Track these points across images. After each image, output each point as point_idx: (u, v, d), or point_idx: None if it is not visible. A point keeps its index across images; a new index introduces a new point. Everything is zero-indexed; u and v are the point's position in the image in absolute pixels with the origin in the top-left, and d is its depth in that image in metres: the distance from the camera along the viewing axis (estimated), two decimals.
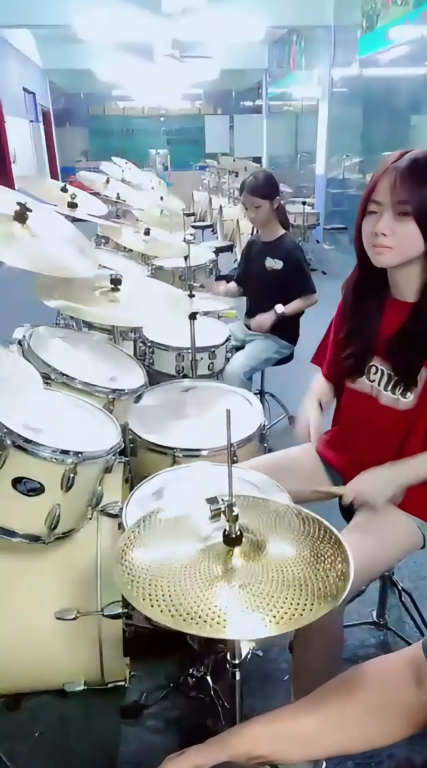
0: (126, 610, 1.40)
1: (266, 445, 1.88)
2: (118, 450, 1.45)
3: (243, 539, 0.81)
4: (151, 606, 0.72)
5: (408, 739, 0.71)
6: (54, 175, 13.21)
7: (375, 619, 1.83)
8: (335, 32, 8.08)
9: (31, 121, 11.51)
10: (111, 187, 3.86)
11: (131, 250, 3.06)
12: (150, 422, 1.79)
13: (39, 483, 1.28)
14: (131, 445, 1.74)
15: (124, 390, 1.73)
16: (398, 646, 1.79)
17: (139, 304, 1.87)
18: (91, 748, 1.51)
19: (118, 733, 1.53)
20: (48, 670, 1.49)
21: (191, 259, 2.62)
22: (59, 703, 1.57)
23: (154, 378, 2.26)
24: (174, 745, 1.50)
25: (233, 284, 2.92)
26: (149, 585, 0.76)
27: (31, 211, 1.56)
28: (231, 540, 0.81)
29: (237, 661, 0.96)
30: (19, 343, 1.70)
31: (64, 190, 2.72)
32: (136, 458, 1.76)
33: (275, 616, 0.71)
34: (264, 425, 1.82)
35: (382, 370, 1.33)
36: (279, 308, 2.65)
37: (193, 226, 6.26)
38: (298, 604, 0.73)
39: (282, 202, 2.78)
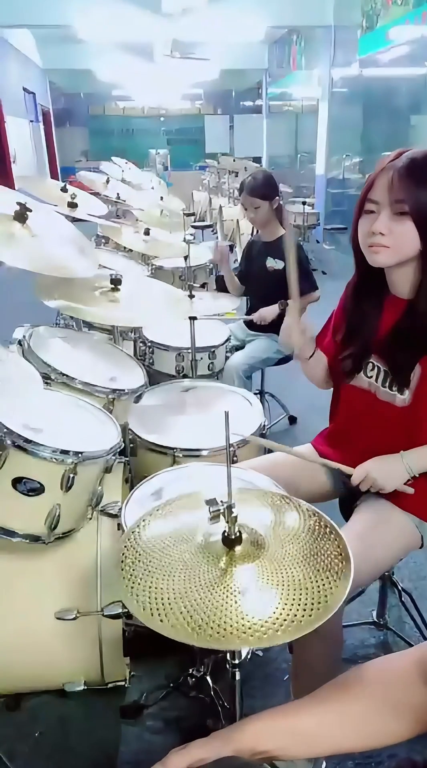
0: (126, 610, 1.39)
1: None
2: (118, 450, 1.46)
3: (243, 539, 0.82)
4: (152, 616, 0.72)
5: (409, 739, 0.71)
6: (54, 175, 13.21)
7: (375, 619, 1.83)
8: (335, 32, 8.08)
9: (31, 121, 11.51)
10: (111, 187, 3.86)
11: (131, 250, 3.06)
12: (150, 422, 1.79)
13: (39, 483, 1.28)
14: (131, 445, 1.74)
15: (124, 390, 1.73)
16: (398, 646, 1.79)
17: (139, 304, 1.87)
18: (91, 748, 1.51)
19: (118, 733, 1.53)
20: (48, 670, 1.49)
21: (191, 259, 2.62)
22: (59, 703, 1.57)
23: (154, 378, 2.26)
24: (174, 745, 1.49)
25: (236, 281, 2.92)
26: (149, 591, 0.76)
27: (31, 211, 1.56)
28: (230, 541, 0.81)
29: (237, 661, 0.96)
30: (19, 343, 1.70)
31: (64, 190, 2.73)
32: (136, 458, 1.76)
33: (274, 624, 0.71)
34: (264, 425, 1.82)
35: (378, 366, 1.33)
36: (283, 303, 2.64)
37: (193, 226, 6.25)
38: (298, 609, 0.73)
39: (282, 202, 2.78)
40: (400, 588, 1.75)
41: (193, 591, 0.75)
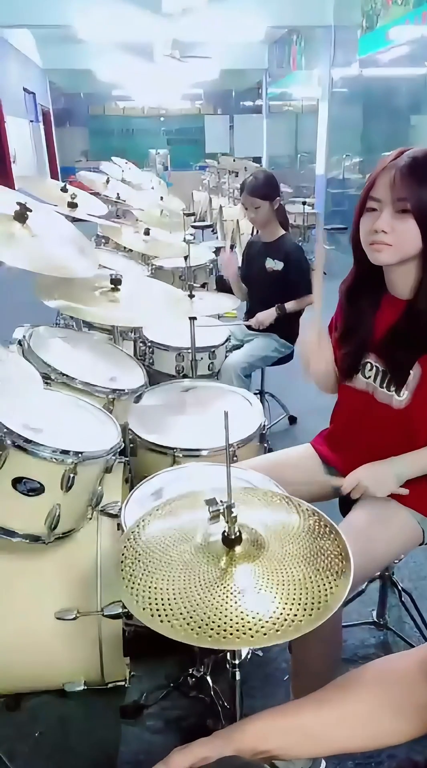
0: (126, 610, 1.39)
1: (266, 445, 1.88)
2: (118, 450, 1.45)
3: (242, 539, 0.82)
4: (152, 616, 0.72)
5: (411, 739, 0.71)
6: (54, 175, 13.21)
7: (375, 619, 1.83)
8: (335, 32, 8.08)
9: (31, 121, 11.51)
10: (111, 187, 3.86)
11: (131, 250, 3.06)
12: (150, 422, 1.79)
13: (39, 483, 1.28)
14: (131, 445, 1.74)
15: (124, 390, 1.73)
16: (398, 646, 1.79)
17: (139, 304, 1.87)
18: (91, 748, 1.51)
19: (118, 733, 1.53)
20: (48, 670, 1.49)
21: (191, 259, 2.62)
22: (59, 703, 1.57)
23: (154, 378, 2.26)
24: (174, 745, 1.49)
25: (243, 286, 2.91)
26: (150, 591, 0.76)
27: (31, 211, 1.56)
28: (230, 541, 0.81)
29: (237, 661, 0.96)
30: (19, 343, 1.70)
31: (64, 190, 2.73)
32: (136, 458, 1.76)
33: (274, 624, 0.71)
34: (264, 425, 1.82)
35: (376, 367, 1.33)
36: (280, 307, 2.65)
37: (193, 226, 6.26)
38: (298, 609, 0.73)
39: (282, 202, 2.78)
40: (400, 588, 1.75)
41: (194, 591, 0.75)
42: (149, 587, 0.77)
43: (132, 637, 1.51)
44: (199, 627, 0.70)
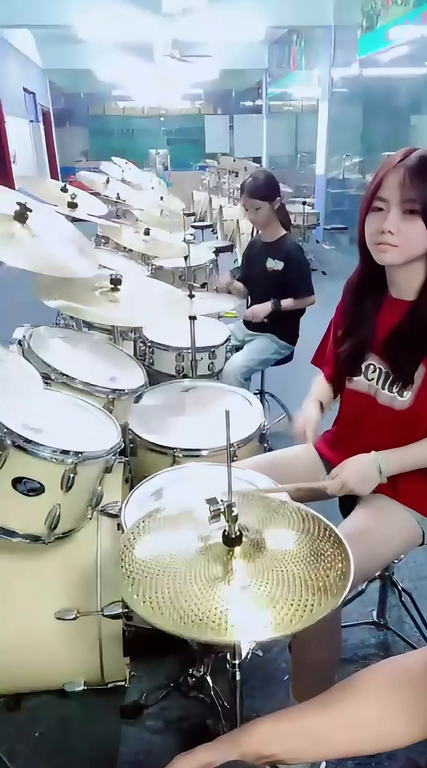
0: (126, 610, 1.40)
1: (266, 445, 1.88)
2: (118, 450, 1.45)
3: (243, 539, 0.82)
4: (152, 609, 0.73)
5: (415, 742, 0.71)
6: (54, 175, 13.21)
7: (375, 619, 1.83)
8: (335, 32, 8.09)
9: (31, 121, 11.51)
10: (111, 187, 3.86)
11: (131, 250, 3.06)
12: (150, 422, 1.79)
13: (39, 483, 1.28)
14: (131, 445, 1.74)
15: (124, 390, 1.73)
16: (397, 646, 1.79)
17: (139, 304, 1.87)
18: (91, 748, 1.51)
19: (118, 733, 1.53)
20: (48, 670, 1.49)
21: (191, 259, 2.62)
22: (59, 703, 1.57)
23: (154, 378, 2.26)
24: (174, 745, 1.50)
25: (239, 283, 2.91)
26: (150, 588, 0.76)
27: (31, 211, 1.56)
28: (231, 540, 0.81)
29: (237, 661, 0.96)
30: (19, 343, 1.70)
31: (64, 190, 2.72)
32: (136, 458, 1.76)
33: (275, 618, 0.71)
34: (264, 425, 1.82)
35: (379, 368, 1.33)
36: (275, 302, 2.64)
37: (193, 226, 6.26)
38: (299, 604, 0.73)
39: (283, 202, 2.78)
40: (400, 588, 1.75)
41: (194, 591, 0.75)
42: (149, 587, 0.77)
43: (132, 637, 1.51)
44: (200, 620, 0.70)
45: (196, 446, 1.65)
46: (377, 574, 1.69)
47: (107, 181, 4.00)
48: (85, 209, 2.66)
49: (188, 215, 3.18)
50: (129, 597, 0.75)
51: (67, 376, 1.63)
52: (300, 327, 2.81)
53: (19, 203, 1.55)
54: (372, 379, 1.35)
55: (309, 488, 1.37)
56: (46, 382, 1.58)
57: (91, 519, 1.49)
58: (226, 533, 0.81)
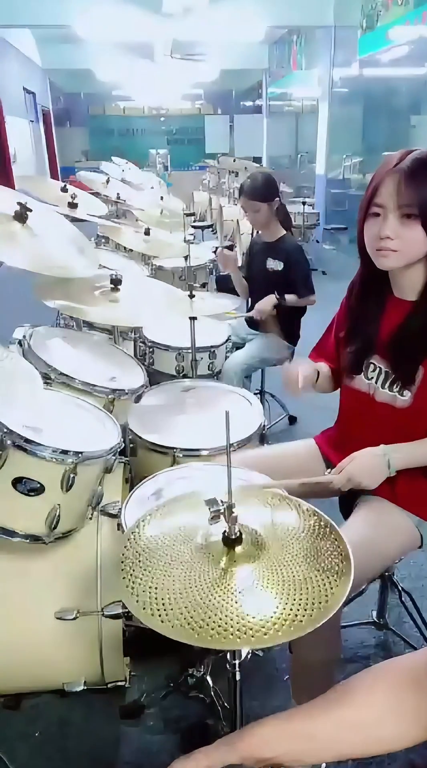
0: (126, 610, 1.39)
1: (265, 445, 1.88)
2: (118, 450, 1.45)
3: (243, 539, 0.82)
4: (152, 615, 0.72)
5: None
6: (54, 175, 13.21)
7: (375, 619, 1.84)
8: (335, 32, 8.09)
9: (31, 121, 11.51)
10: (111, 187, 3.86)
11: (131, 250, 3.06)
12: (150, 422, 1.79)
13: (39, 483, 1.28)
14: (131, 445, 1.74)
15: (124, 390, 1.73)
16: (397, 646, 1.80)
17: (139, 304, 1.86)
18: (91, 748, 1.51)
19: (118, 733, 1.53)
20: (48, 670, 1.49)
21: (191, 259, 2.62)
22: (59, 703, 1.57)
23: (154, 378, 2.26)
24: (174, 745, 1.50)
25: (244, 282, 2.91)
26: (150, 591, 0.76)
27: (31, 211, 1.56)
28: (230, 541, 0.81)
29: (237, 661, 0.96)
30: (19, 343, 1.70)
31: (64, 190, 2.72)
32: (136, 458, 1.76)
33: (274, 624, 0.70)
34: (264, 425, 1.82)
35: (380, 367, 1.33)
36: (278, 297, 2.63)
37: (193, 226, 6.25)
38: (298, 609, 0.73)
39: (282, 201, 2.78)
40: (400, 588, 1.75)
41: (194, 591, 0.75)
42: (149, 587, 0.76)
43: (132, 637, 1.51)
44: (200, 627, 0.70)
45: (196, 446, 1.65)
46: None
47: (107, 181, 4.00)
48: (85, 209, 2.66)
49: (188, 215, 3.18)
50: (130, 602, 0.75)
51: (67, 376, 1.63)
52: (300, 327, 2.81)
53: (19, 203, 1.55)
54: (371, 378, 1.35)
55: (314, 483, 1.36)
56: (46, 382, 1.58)
57: (91, 519, 1.48)
58: (226, 534, 0.81)
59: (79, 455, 1.29)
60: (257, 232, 2.99)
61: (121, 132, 16.42)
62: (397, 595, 1.76)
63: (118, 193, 3.69)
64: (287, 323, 2.73)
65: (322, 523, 0.88)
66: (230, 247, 5.82)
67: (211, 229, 7.36)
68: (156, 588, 0.76)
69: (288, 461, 1.51)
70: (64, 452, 1.27)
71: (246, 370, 2.62)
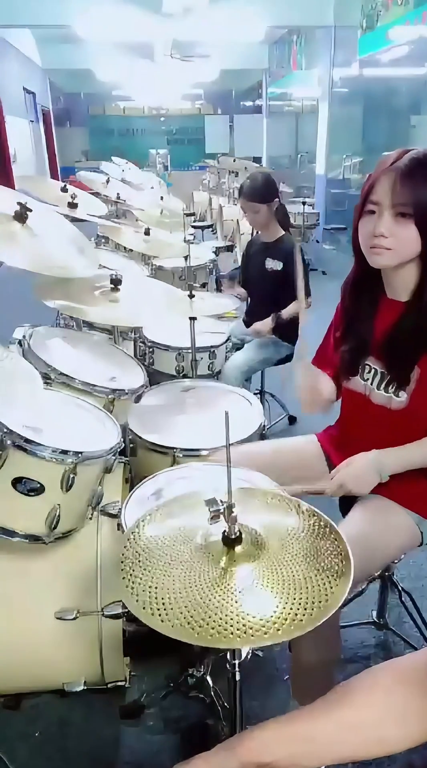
0: (126, 610, 1.39)
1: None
2: (118, 450, 1.45)
3: (243, 539, 0.82)
4: (152, 615, 0.72)
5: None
6: (54, 175, 13.21)
7: (375, 619, 1.84)
8: (335, 32, 8.09)
9: (31, 121, 11.51)
10: (111, 187, 3.86)
11: (131, 250, 3.06)
12: (150, 422, 1.79)
13: (39, 483, 1.28)
14: (131, 445, 1.74)
15: (124, 390, 1.73)
16: (397, 646, 1.80)
17: (139, 304, 1.86)
18: (91, 748, 1.51)
19: (118, 733, 1.53)
20: (48, 670, 1.49)
21: (191, 259, 2.62)
22: (59, 703, 1.57)
23: (154, 378, 2.26)
24: (174, 745, 1.50)
25: (242, 289, 2.91)
26: (150, 590, 0.76)
27: (31, 211, 1.56)
28: (230, 541, 0.81)
29: (237, 661, 0.96)
30: (19, 343, 1.70)
31: (64, 190, 2.73)
32: (136, 458, 1.76)
33: (274, 623, 0.70)
34: (264, 425, 1.82)
35: (375, 369, 1.33)
36: (276, 316, 2.65)
37: (193, 226, 6.25)
38: (299, 607, 0.72)
39: (282, 202, 2.78)
40: (400, 588, 1.75)
41: (194, 591, 0.75)
42: (149, 587, 0.77)
43: (132, 637, 1.51)
44: (200, 626, 0.70)
45: (196, 446, 1.65)
46: (376, 574, 1.69)
47: (107, 181, 4.00)
48: (85, 209, 2.66)
49: (188, 215, 3.18)
50: (129, 601, 0.75)
51: (67, 376, 1.63)
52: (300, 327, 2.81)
53: (19, 203, 1.55)
54: (367, 379, 1.35)
55: (307, 491, 1.37)
56: (46, 382, 1.58)
57: (91, 519, 1.49)
58: (225, 534, 0.81)
59: (79, 455, 1.29)
60: (256, 231, 3.00)
61: (121, 132, 16.42)
62: (397, 595, 1.76)
63: (118, 193, 3.69)
64: (287, 323, 2.73)
65: (322, 523, 0.88)
66: (230, 247, 5.83)
67: (211, 229, 7.37)
68: (156, 588, 0.76)
69: (289, 457, 1.52)
70: (64, 452, 1.27)
71: (246, 373, 2.62)
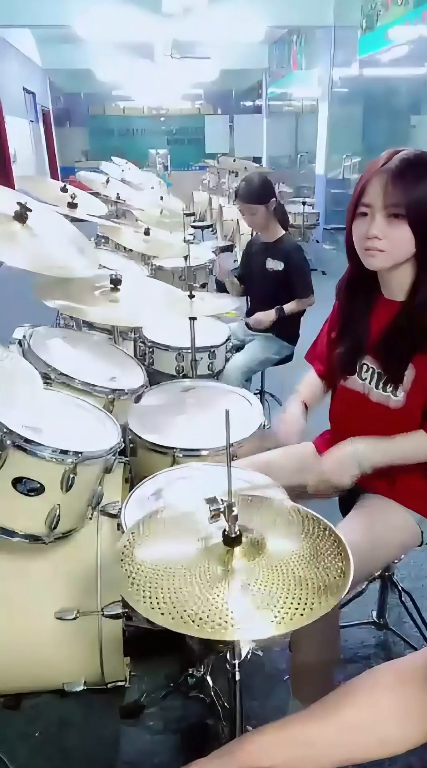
0: (126, 610, 1.39)
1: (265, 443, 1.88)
2: (118, 450, 1.45)
3: (243, 539, 0.82)
4: (152, 608, 0.72)
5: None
6: (54, 175, 13.21)
7: (375, 619, 1.84)
8: (335, 32, 8.09)
9: (31, 121, 11.51)
10: (111, 187, 3.86)
11: (131, 250, 3.06)
12: (150, 422, 1.79)
13: (39, 483, 1.28)
14: (131, 445, 1.74)
15: (124, 390, 1.73)
16: (398, 646, 1.80)
17: (139, 304, 1.86)
18: (91, 748, 1.51)
19: (118, 733, 1.53)
20: (48, 670, 1.49)
21: (191, 259, 2.62)
22: (59, 703, 1.57)
23: (154, 378, 2.26)
24: (174, 745, 1.50)
25: (236, 281, 2.92)
26: (150, 587, 0.76)
27: (31, 211, 1.56)
28: (231, 540, 0.81)
29: (237, 661, 0.96)
30: (19, 343, 1.70)
31: (64, 190, 2.72)
32: (136, 458, 1.76)
33: (275, 616, 0.71)
34: (264, 425, 1.82)
35: (372, 368, 1.33)
36: (279, 309, 2.65)
37: (193, 226, 6.25)
38: (299, 603, 0.73)
39: (281, 201, 2.78)
40: (400, 588, 1.75)
41: (194, 590, 0.75)
42: (150, 586, 0.77)
43: (132, 637, 1.51)
44: (201, 619, 0.70)
45: (196, 446, 1.65)
46: (376, 574, 1.69)
47: (107, 181, 4.00)
48: (85, 209, 2.66)
49: (188, 215, 3.18)
50: (129, 596, 0.75)
51: (67, 376, 1.63)
52: (300, 327, 2.81)
53: (19, 203, 1.55)
54: (365, 378, 1.35)
55: (293, 485, 1.37)
56: (46, 382, 1.58)
57: (91, 519, 1.49)
58: (226, 533, 0.81)
59: (79, 455, 1.29)
60: (256, 232, 3.00)
61: (121, 132, 16.40)
62: (397, 595, 1.76)
63: (118, 193, 3.69)
64: (287, 323, 2.73)
65: (321, 525, 0.89)
66: (230, 247, 5.83)
67: (211, 229, 7.37)
68: (156, 587, 0.76)
69: (287, 465, 1.51)
70: (64, 452, 1.27)
71: (247, 373, 2.62)
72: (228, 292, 2.92)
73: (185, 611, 0.72)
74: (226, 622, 0.70)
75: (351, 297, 1.37)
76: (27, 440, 1.23)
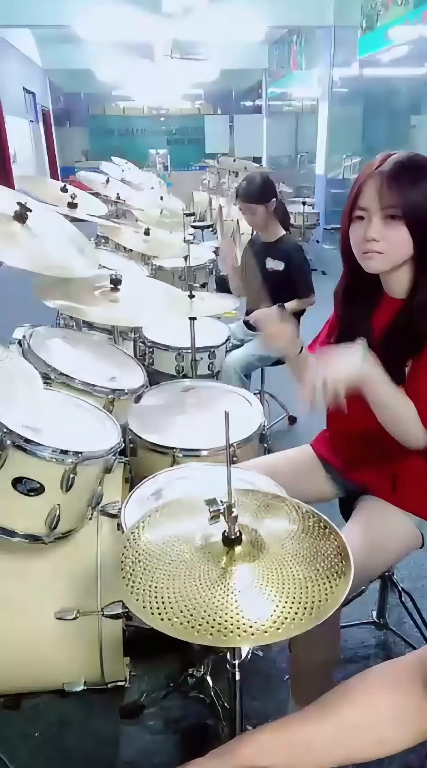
0: (126, 610, 1.39)
1: (265, 445, 1.88)
2: (118, 450, 1.45)
3: (242, 539, 0.82)
4: (152, 614, 0.72)
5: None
6: (54, 175, 13.21)
7: (375, 619, 1.84)
8: (335, 32, 8.09)
9: (31, 121, 11.51)
10: (111, 187, 3.86)
11: (131, 250, 3.06)
12: (150, 422, 1.79)
13: (39, 483, 1.28)
14: (131, 445, 1.74)
15: (124, 390, 1.73)
16: (397, 646, 1.80)
17: (139, 304, 1.86)
18: (91, 748, 1.51)
19: (118, 733, 1.53)
20: (48, 670, 1.49)
21: (191, 259, 2.62)
22: (59, 703, 1.57)
23: (154, 378, 2.26)
24: (174, 745, 1.50)
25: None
26: (149, 592, 0.76)
27: (31, 211, 1.56)
28: (230, 541, 0.81)
29: (237, 661, 0.96)
30: (19, 343, 1.70)
31: (64, 190, 2.73)
32: (136, 458, 1.76)
33: (274, 622, 0.70)
34: (264, 425, 1.82)
35: None
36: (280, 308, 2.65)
37: (193, 226, 6.25)
38: (299, 607, 0.73)
39: (283, 200, 2.78)
40: (400, 588, 1.75)
41: (194, 591, 0.75)
42: (150, 586, 0.77)
43: (132, 637, 1.51)
44: (200, 625, 0.70)
45: (196, 446, 1.65)
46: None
47: (107, 181, 4.00)
48: (84, 209, 2.66)
49: (188, 215, 3.18)
50: (130, 600, 0.75)
51: (67, 376, 1.63)
52: (300, 327, 2.81)
53: (19, 203, 1.55)
54: None
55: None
56: (46, 382, 1.58)
57: (91, 519, 1.48)
58: (226, 534, 0.81)
59: (79, 455, 1.29)
60: (256, 232, 3.00)
61: (121, 132, 16.40)
62: (397, 595, 1.76)
63: (118, 193, 3.69)
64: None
65: (321, 524, 0.88)
66: None
67: (211, 229, 7.36)
68: (156, 587, 0.76)
69: (286, 468, 1.51)
70: (64, 452, 1.27)
71: (245, 368, 2.62)
72: (229, 292, 2.92)
73: (185, 617, 0.71)
74: (225, 629, 0.70)
75: (350, 303, 1.36)
76: (27, 440, 1.23)
